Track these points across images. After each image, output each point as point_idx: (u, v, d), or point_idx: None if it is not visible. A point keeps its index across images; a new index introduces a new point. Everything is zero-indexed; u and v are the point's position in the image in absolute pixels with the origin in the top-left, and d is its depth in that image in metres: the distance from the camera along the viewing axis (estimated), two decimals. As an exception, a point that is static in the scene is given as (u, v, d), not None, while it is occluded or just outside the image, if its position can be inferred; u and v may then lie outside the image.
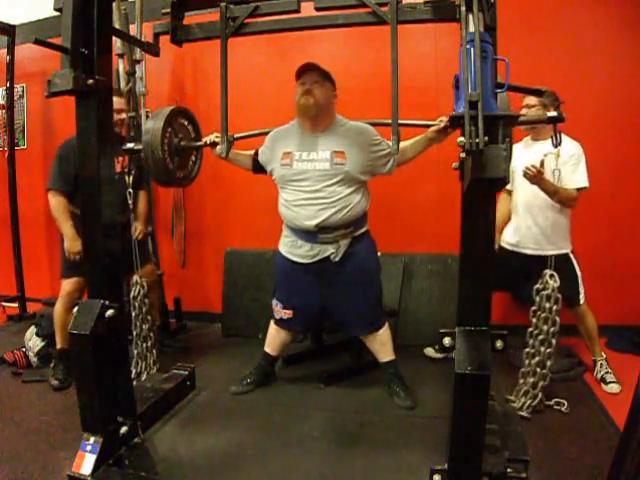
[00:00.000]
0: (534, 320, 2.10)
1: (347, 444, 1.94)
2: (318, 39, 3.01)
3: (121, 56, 3.15)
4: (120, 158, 2.54)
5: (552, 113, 1.79)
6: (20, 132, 3.89)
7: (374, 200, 2.29)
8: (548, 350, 2.06)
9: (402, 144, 2.08)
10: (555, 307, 2.04)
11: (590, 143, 2.88)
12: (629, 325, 2.91)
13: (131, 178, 2.36)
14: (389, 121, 1.95)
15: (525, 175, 2.18)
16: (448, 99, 1.43)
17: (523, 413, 2.07)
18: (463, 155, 1.27)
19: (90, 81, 1.57)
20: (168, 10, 2.02)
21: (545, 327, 2.06)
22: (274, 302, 2.40)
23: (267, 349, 2.48)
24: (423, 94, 2.96)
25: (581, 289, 2.38)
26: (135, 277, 2.43)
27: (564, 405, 2.13)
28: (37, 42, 1.77)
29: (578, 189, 2.29)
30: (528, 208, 2.41)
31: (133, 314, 2.43)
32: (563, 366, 2.46)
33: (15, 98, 3.75)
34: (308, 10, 1.95)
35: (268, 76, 3.27)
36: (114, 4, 2.37)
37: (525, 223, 2.44)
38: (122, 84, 3.16)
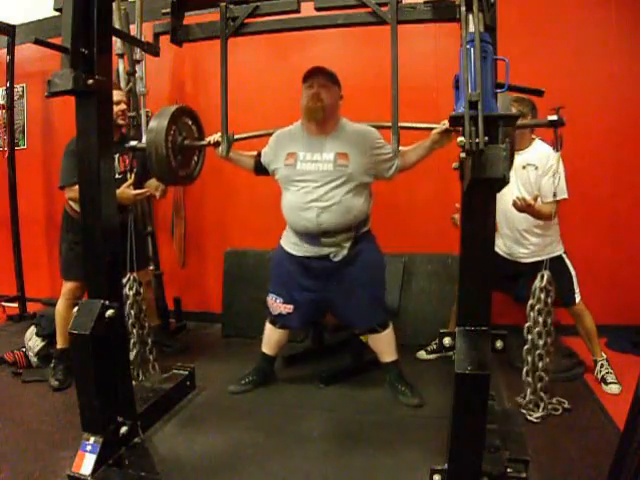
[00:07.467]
0: (531, 314, 2.07)
1: (347, 444, 1.94)
2: (318, 39, 3.01)
3: (121, 56, 3.15)
4: (124, 157, 2.50)
5: (553, 117, 1.75)
6: (20, 132, 3.89)
7: (375, 200, 2.29)
8: (542, 343, 2.03)
9: (404, 148, 2.08)
10: (549, 300, 2.02)
11: (590, 143, 2.90)
12: (628, 325, 2.91)
13: (133, 176, 2.35)
14: (391, 124, 1.94)
15: (514, 205, 2.16)
16: (448, 99, 1.43)
17: (532, 418, 2.05)
18: (463, 155, 1.26)
19: (90, 81, 1.57)
20: (168, 10, 2.03)
21: (541, 319, 2.04)
22: (271, 297, 2.35)
23: (264, 349, 2.48)
24: (423, 94, 2.96)
25: (576, 289, 2.37)
26: (129, 274, 2.35)
27: (564, 405, 2.13)
28: (37, 42, 1.78)
29: (558, 201, 2.20)
30: (513, 218, 2.37)
31: (127, 312, 2.37)
32: (563, 366, 2.46)
33: (15, 98, 3.74)
34: (308, 10, 1.95)
35: (268, 76, 3.27)
36: (114, 4, 2.38)
37: (512, 234, 2.42)
38: (122, 84, 3.16)
